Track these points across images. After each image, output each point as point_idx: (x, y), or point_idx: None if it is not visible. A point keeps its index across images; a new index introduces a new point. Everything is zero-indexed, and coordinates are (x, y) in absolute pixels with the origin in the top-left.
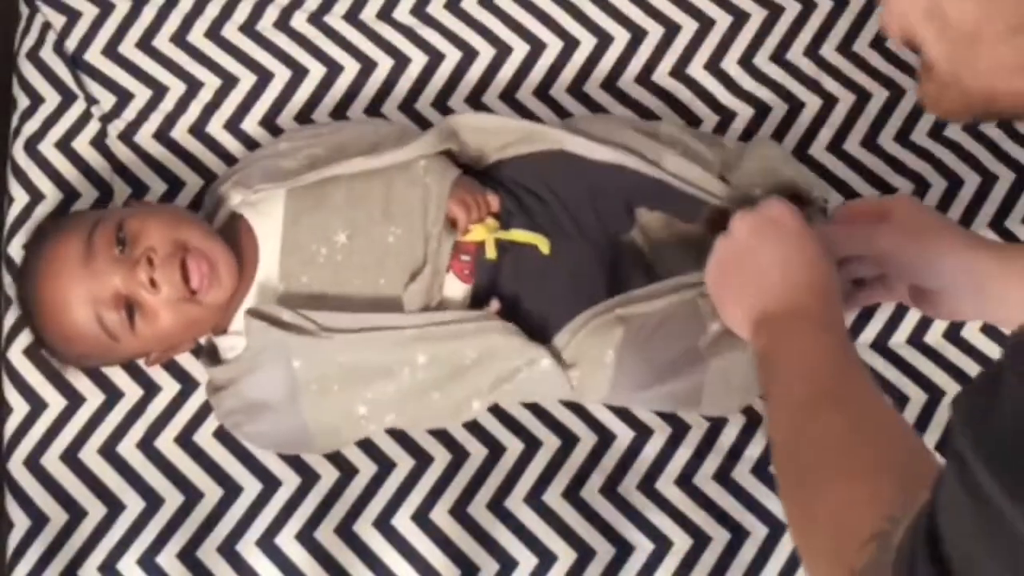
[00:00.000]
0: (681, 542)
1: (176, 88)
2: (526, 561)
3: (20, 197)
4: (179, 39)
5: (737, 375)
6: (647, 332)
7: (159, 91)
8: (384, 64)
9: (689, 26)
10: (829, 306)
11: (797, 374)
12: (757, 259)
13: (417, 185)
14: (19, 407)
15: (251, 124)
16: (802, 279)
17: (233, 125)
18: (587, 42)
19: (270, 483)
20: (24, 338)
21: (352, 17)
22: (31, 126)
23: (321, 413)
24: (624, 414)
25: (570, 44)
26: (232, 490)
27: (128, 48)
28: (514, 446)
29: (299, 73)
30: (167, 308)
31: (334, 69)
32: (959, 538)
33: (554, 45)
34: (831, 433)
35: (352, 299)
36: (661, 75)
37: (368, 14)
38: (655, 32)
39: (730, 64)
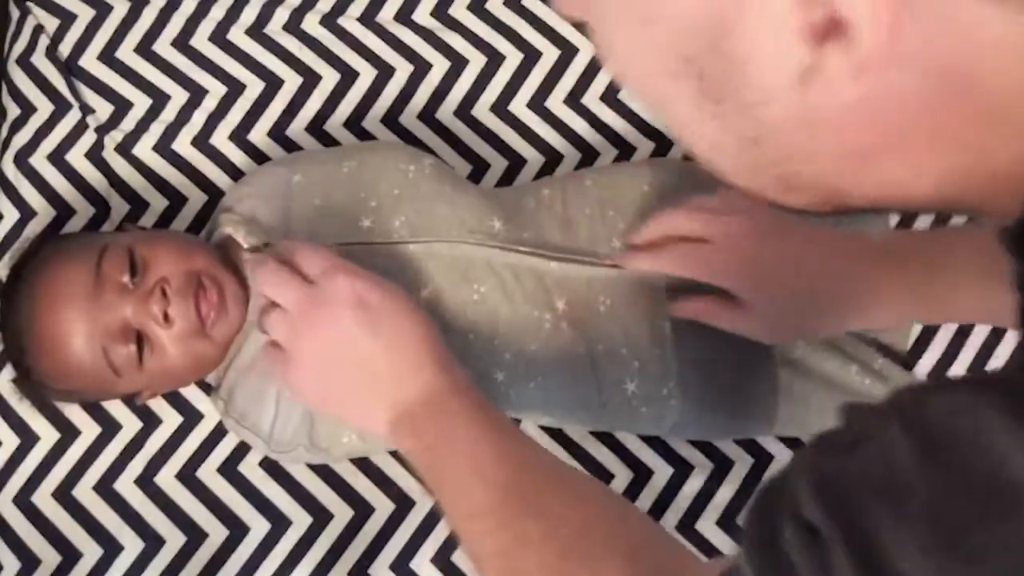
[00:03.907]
0: None
1: (178, 96)
2: None
3: (9, 214)
4: (181, 43)
5: (814, 398)
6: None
7: (160, 100)
8: (403, 70)
9: None
10: (453, 372)
11: (470, 480)
12: (351, 354)
13: None
14: (8, 440)
15: (259, 135)
16: (419, 358)
17: (240, 136)
18: None
19: (279, 523)
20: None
21: (368, 19)
22: (21, 137)
23: None
24: (661, 448)
25: None
26: (238, 530)
27: (126, 53)
28: None
29: (311, 80)
30: (176, 344)
31: (349, 75)
32: None
33: (587, 49)
34: (542, 563)
35: None
36: None
37: (385, 16)
38: None
39: None
